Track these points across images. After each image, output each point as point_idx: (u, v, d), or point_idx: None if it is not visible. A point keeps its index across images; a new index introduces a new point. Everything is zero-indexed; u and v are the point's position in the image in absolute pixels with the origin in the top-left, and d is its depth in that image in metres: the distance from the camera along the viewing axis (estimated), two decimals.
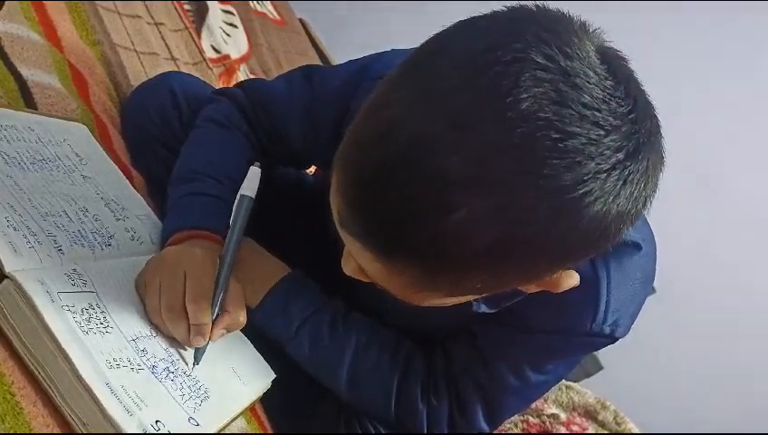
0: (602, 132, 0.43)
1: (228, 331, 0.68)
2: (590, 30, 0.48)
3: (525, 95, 0.42)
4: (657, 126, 0.48)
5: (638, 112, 0.46)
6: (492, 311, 0.68)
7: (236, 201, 0.72)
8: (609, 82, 0.45)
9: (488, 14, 0.49)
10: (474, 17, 0.49)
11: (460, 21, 0.49)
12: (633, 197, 0.46)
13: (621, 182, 0.45)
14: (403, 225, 0.46)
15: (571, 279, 0.54)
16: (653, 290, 0.71)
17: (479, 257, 0.46)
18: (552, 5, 0.49)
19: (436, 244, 0.46)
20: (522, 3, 0.50)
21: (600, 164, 0.44)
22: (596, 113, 0.43)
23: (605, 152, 0.44)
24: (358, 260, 0.53)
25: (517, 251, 0.46)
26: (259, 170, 0.74)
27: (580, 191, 0.43)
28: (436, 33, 0.50)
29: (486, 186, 0.43)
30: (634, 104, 0.45)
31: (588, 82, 0.44)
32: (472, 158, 0.43)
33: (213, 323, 0.66)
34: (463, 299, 0.56)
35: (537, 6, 0.48)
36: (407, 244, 0.47)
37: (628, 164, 0.45)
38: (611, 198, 0.45)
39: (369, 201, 0.47)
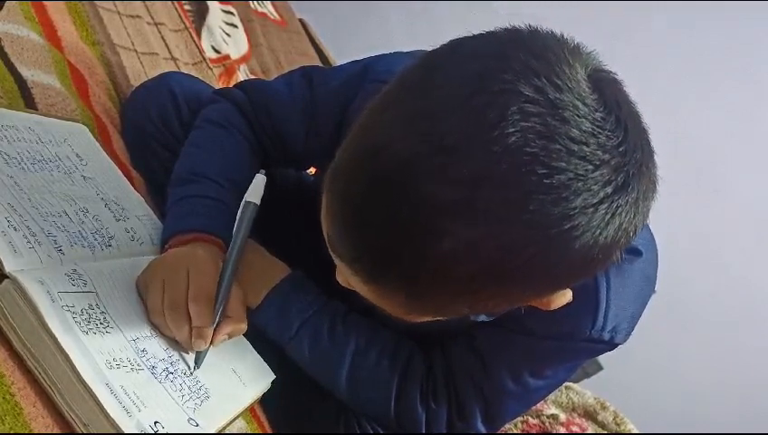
0: (590, 167, 0.43)
1: (230, 337, 0.68)
2: (583, 53, 0.47)
3: (512, 129, 0.42)
4: (650, 153, 0.48)
5: (629, 144, 0.45)
6: (490, 319, 0.69)
7: (241, 207, 0.72)
8: (599, 113, 0.44)
9: (481, 35, 0.49)
10: (466, 38, 0.49)
11: (452, 41, 0.49)
12: (622, 228, 0.46)
13: (609, 215, 0.45)
14: (390, 250, 0.46)
15: (564, 297, 0.54)
16: (653, 290, 0.71)
17: (464, 285, 0.46)
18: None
19: (422, 270, 0.46)
20: (517, 17, 0.49)
21: (586, 199, 0.43)
22: (584, 148, 0.43)
23: (592, 187, 0.43)
24: (348, 280, 0.53)
25: (502, 280, 0.46)
26: (265, 178, 0.74)
27: (567, 226, 0.43)
28: (429, 53, 0.49)
29: (473, 215, 0.43)
30: (624, 135, 0.45)
31: (577, 114, 0.43)
32: (460, 185, 0.43)
33: (215, 329, 0.66)
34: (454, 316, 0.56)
35: (530, 30, 0.48)
36: (393, 269, 0.47)
37: (617, 198, 0.45)
38: (599, 231, 0.45)
39: (357, 225, 0.47)
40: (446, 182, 0.43)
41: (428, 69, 0.48)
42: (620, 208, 0.45)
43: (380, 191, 0.45)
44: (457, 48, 0.48)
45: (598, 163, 0.43)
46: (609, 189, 0.44)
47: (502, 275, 0.46)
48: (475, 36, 0.49)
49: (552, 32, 0.48)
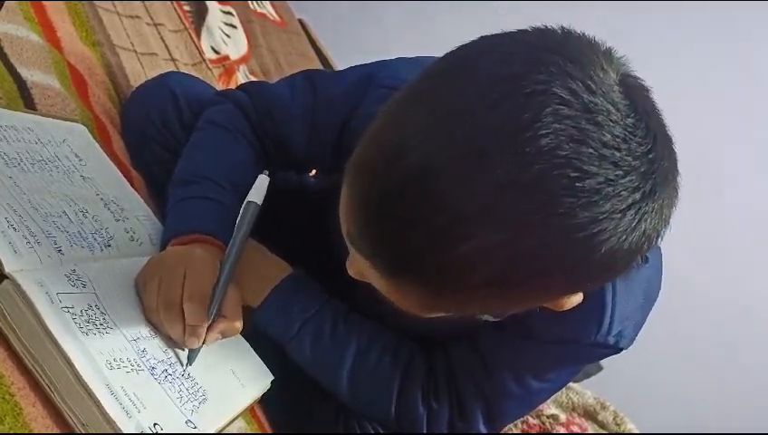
0: (620, 172, 0.43)
1: (223, 336, 0.68)
2: (615, 58, 0.47)
3: (545, 131, 0.42)
4: (675, 162, 0.48)
5: (657, 152, 0.45)
6: (496, 320, 0.69)
7: (243, 207, 0.72)
8: (630, 119, 0.44)
9: (512, 35, 0.48)
10: (496, 37, 0.48)
11: (481, 39, 0.49)
12: (646, 234, 0.46)
13: (636, 221, 0.45)
14: (409, 251, 0.46)
15: (575, 298, 0.54)
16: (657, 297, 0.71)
17: (483, 287, 0.46)
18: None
19: (442, 272, 0.46)
20: (544, 21, 0.48)
21: (615, 204, 0.43)
22: (615, 153, 0.43)
23: (622, 193, 0.44)
24: (365, 274, 0.53)
25: (522, 284, 0.47)
26: (267, 178, 0.73)
27: (594, 230, 0.43)
28: (454, 51, 0.49)
29: (497, 220, 0.43)
30: (653, 143, 0.45)
31: (609, 119, 0.43)
32: (485, 190, 0.43)
33: (209, 328, 0.66)
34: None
35: (564, 32, 0.48)
36: (412, 269, 0.47)
37: (644, 204, 0.45)
38: (624, 236, 0.45)
39: (378, 223, 0.47)
40: (472, 186, 0.43)
41: (457, 69, 0.47)
42: (646, 215, 0.45)
43: (404, 192, 0.45)
44: (488, 49, 0.47)
45: (628, 169, 0.44)
46: (637, 196, 0.44)
47: (522, 278, 0.46)
48: (504, 37, 0.48)
49: (583, 34, 0.48)
